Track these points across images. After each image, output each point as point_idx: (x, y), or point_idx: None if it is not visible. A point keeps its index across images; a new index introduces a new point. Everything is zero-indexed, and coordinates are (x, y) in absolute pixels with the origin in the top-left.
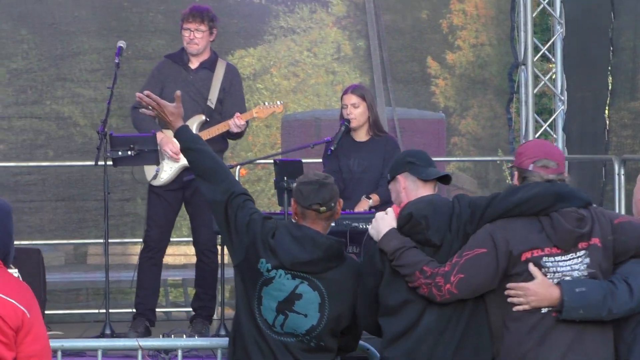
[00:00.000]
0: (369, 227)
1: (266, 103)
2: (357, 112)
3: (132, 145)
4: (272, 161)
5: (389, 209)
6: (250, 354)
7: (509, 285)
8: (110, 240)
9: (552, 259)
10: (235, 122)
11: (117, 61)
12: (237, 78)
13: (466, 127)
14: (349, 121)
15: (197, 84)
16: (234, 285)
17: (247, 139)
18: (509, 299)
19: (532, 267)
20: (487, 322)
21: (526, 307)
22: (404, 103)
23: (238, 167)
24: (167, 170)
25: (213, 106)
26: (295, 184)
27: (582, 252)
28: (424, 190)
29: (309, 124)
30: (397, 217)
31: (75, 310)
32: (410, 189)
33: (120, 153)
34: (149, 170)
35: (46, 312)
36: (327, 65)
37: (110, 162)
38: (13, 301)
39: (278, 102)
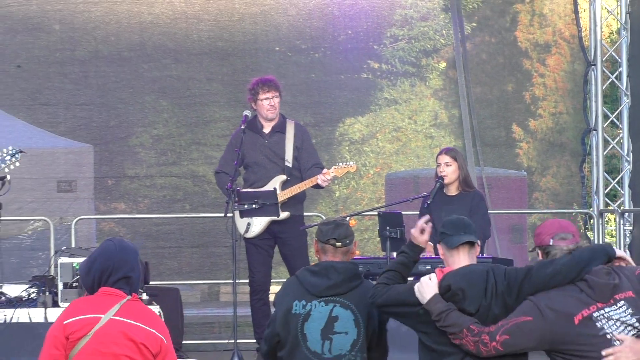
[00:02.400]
0: (415, 287)
1: (340, 163)
2: (449, 170)
3: (256, 200)
4: (377, 213)
5: (433, 275)
6: None
7: (604, 352)
8: (238, 281)
9: (601, 312)
10: (323, 178)
11: (243, 127)
12: (306, 134)
13: (546, 184)
14: (442, 178)
15: (272, 147)
16: None
17: (356, 194)
18: None
19: (617, 335)
20: None
21: None
22: (491, 163)
23: (348, 217)
24: (257, 225)
25: (290, 165)
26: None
27: (622, 302)
28: (457, 256)
29: (409, 181)
30: (438, 286)
31: (209, 340)
32: (447, 256)
33: (245, 206)
34: (241, 225)
35: (184, 342)
36: (426, 130)
37: (238, 215)
38: (153, 330)
39: (351, 162)
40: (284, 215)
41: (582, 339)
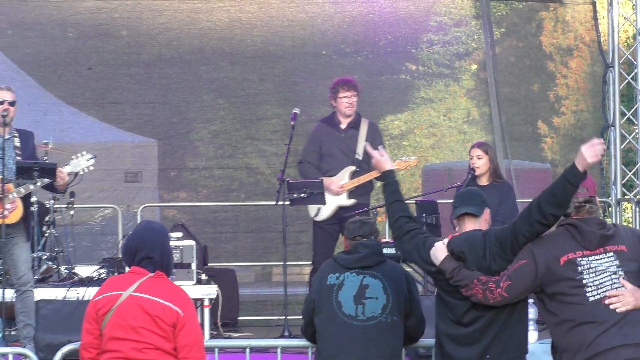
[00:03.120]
0: (431, 251)
1: (404, 157)
2: (480, 163)
3: (304, 189)
4: (414, 202)
5: (445, 239)
6: (340, 344)
7: (608, 294)
8: (288, 263)
9: (585, 259)
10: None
11: (292, 124)
12: (378, 132)
13: None
14: (474, 170)
15: (346, 141)
16: None
17: None
18: (612, 306)
19: (622, 280)
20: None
21: (628, 307)
22: (518, 156)
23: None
24: (326, 209)
25: (360, 158)
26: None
27: (611, 254)
28: (463, 224)
29: (443, 172)
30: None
31: (262, 317)
32: (459, 224)
33: (295, 195)
34: (312, 209)
35: (239, 318)
36: (459, 126)
37: (287, 202)
38: (168, 303)
39: (413, 157)
40: (350, 202)
41: (564, 283)
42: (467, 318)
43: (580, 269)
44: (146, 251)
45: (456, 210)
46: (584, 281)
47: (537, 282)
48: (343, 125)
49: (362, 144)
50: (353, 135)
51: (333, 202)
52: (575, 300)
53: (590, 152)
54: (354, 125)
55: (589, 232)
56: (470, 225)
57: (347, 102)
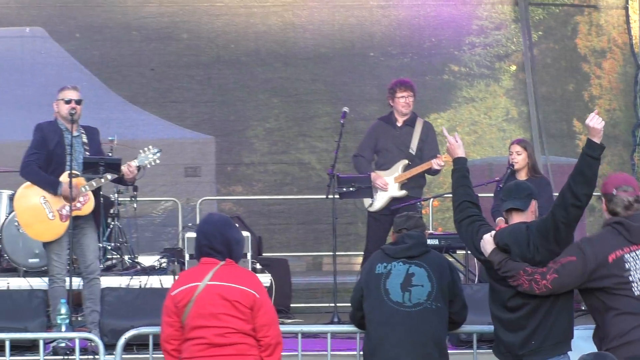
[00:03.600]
0: (481, 243)
1: None
2: (519, 158)
3: (353, 184)
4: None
5: (493, 231)
6: (388, 329)
7: None
8: (337, 253)
9: (632, 254)
10: (437, 162)
11: (342, 122)
12: (432, 131)
13: (602, 170)
14: (513, 165)
15: (402, 137)
16: None
17: (439, 179)
18: None
19: None
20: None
21: None
22: (554, 152)
23: (431, 199)
24: (380, 200)
25: (414, 153)
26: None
27: None
28: (510, 217)
29: (484, 168)
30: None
31: (312, 304)
32: (507, 217)
33: (344, 189)
34: (367, 200)
35: (291, 304)
36: (498, 124)
37: (337, 196)
38: (244, 287)
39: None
40: (402, 192)
41: (610, 279)
42: (512, 304)
43: (627, 265)
44: (213, 242)
45: (504, 205)
46: (630, 278)
47: (584, 279)
48: (399, 123)
49: (415, 141)
50: (408, 132)
51: (386, 194)
52: (621, 293)
53: (595, 121)
54: (410, 123)
55: (636, 227)
56: (517, 218)
57: (404, 101)
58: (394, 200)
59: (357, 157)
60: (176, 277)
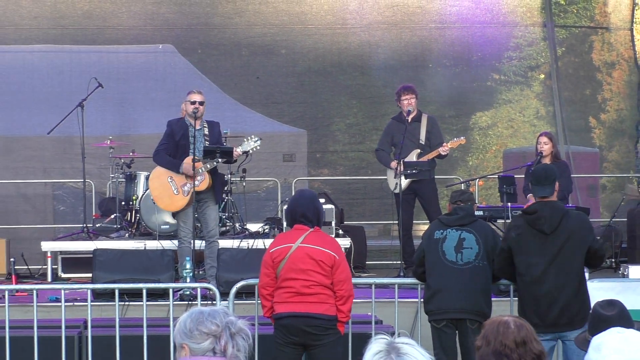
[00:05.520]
0: None
1: (455, 139)
2: (546, 147)
3: (415, 167)
4: (497, 176)
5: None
6: (444, 281)
7: None
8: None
9: None
10: (443, 149)
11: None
12: (436, 123)
13: (612, 157)
14: (541, 153)
15: (412, 131)
16: None
17: (483, 164)
18: None
19: None
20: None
21: None
22: (574, 143)
23: (477, 179)
24: (402, 184)
25: (423, 143)
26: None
27: None
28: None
29: (519, 155)
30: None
31: (383, 262)
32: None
33: (408, 171)
34: (392, 184)
35: (367, 262)
36: (530, 121)
37: (404, 177)
38: (327, 250)
39: (462, 137)
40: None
41: None
42: None
43: None
44: (303, 211)
45: (534, 190)
46: None
47: None
48: (409, 119)
49: (423, 132)
50: (416, 127)
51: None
52: None
53: None
54: (417, 119)
55: None
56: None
57: (406, 102)
58: (413, 182)
59: (379, 151)
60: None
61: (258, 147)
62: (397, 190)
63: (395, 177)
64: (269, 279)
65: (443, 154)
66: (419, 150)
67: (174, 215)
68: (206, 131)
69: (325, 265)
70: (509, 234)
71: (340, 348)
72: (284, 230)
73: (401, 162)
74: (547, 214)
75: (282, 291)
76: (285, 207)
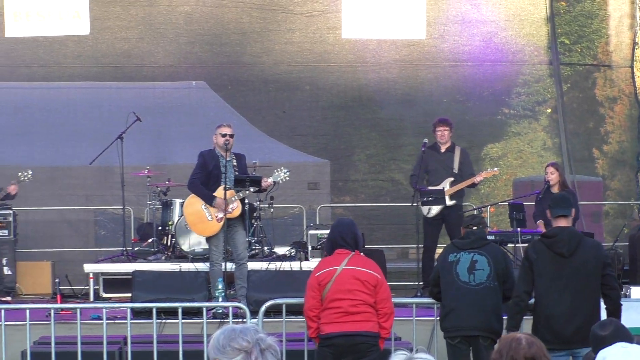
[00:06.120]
0: None
1: (489, 169)
2: (553, 177)
3: (431, 195)
4: (507, 203)
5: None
6: (458, 301)
7: None
8: (420, 245)
9: None
10: (478, 179)
11: (423, 149)
12: (467, 155)
13: (614, 186)
14: (549, 182)
15: (445, 160)
16: None
17: (495, 192)
18: None
19: None
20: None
21: None
22: (579, 172)
23: (489, 206)
24: (435, 209)
25: (456, 172)
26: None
27: None
28: (559, 220)
29: (527, 183)
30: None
31: (401, 282)
32: (554, 221)
33: (425, 199)
34: (425, 210)
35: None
36: (538, 152)
37: (420, 204)
38: (370, 271)
39: (496, 169)
40: (452, 202)
41: None
42: None
43: None
44: (345, 237)
45: (553, 211)
46: None
47: None
48: (442, 150)
49: (456, 162)
50: (450, 157)
51: (438, 206)
52: None
53: None
54: (451, 150)
55: None
56: (563, 222)
57: (440, 134)
58: (445, 208)
59: (413, 177)
60: (306, 261)
61: (287, 178)
62: (429, 215)
63: (413, 204)
64: (315, 301)
65: (477, 182)
66: (451, 179)
67: (207, 240)
68: (235, 162)
69: (370, 285)
70: (529, 255)
71: None
72: (309, 254)
73: (417, 190)
74: (565, 238)
75: (330, 312)
76: (310, 231)
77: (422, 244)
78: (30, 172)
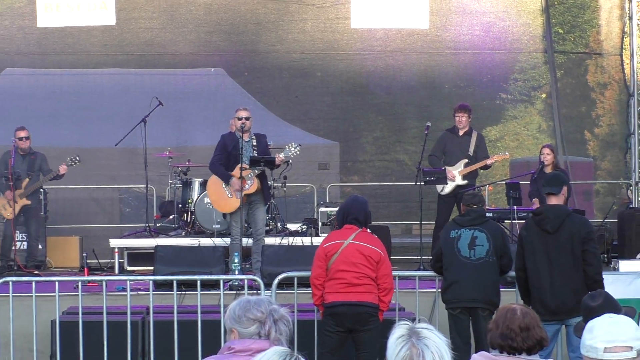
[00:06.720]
0: None
1: (500, 153)
2: (548, 158)
3: (433, 174)
4: (505, 182)
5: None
6: (459, 275)
7: None
8: (422, 222)
9: None
10: (490, 162)
11: (426, 132)
12: (483, 140)
13: (604, 166)
14: (543, 162)
15: (462, 143)
16: None
17: (492, 171)
18: None
19: None
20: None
21: None
22: (571, 153)
23: (487, 185)
24: (448, 187)
25: (471, 154)
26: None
27: None
28: (550, 199)
29: (523, 164)
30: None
31: (405, 257)
32: (547, 198)
33: (427, 178)
34: (439, 187)
35: (391, 257)
36: (533, 135)
37: (422, 183)
38: (374, 247)
39: (506, 153)
40: (464, 182)
41: None
42: None
43: None
44: (355, 214)
45: (544, 189)
46: None
47: None
48: (460, 133)
49: (472, 145)
50: (466, 140)
51: (453, 183)
52: None
53: None
54: (468, 134)
55: None
56: (553, 199)
57: (458, 119)
58: (458, 187)
59: (432, 157)
60: (317, 237)
61: (297, 152)
62: (442, 192)
63: (418, 183)
64: (321, 270)
65: (489, 164)
66: (466, 160)
67: (226, 216)
68: (254, 142)
69: (373, 260)
70: (521, 232)
71: (379, 333)
72: (319, 230)
73: (420, 170)
74: (551, 215)
75: (334, 282)
76: (320, 209)
77: (434, 219)
78: (78, 158)
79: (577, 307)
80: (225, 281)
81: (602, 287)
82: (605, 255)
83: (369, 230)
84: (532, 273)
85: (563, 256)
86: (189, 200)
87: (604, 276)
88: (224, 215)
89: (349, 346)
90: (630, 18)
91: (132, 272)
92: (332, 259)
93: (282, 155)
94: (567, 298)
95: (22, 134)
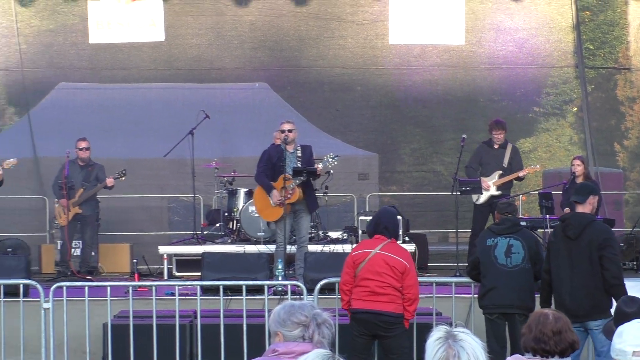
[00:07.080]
0: None
1: (532, 165)
2: (579, 169)
3: (469, 185)
4: (537, 192)
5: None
6: (496, 281)
7: None
8: (459, 230)
9: None
10: (523, 173)
11: (462, 144)
12: (518, 152)
13: (634, 176)
14: (575, 173)
15: (498, 156)
16: None
17: (526, 182)
18: None
19: None
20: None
21: None
22: (602, 164)
23: (521, 195)
24: (483, 197)
25: (505, 166)
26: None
27: None
28: (577, 206)
29: (555, 175)
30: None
31: (442, 263)
32: (575, 207)
33: (463, 188)
34: (474, 197)
35: (429, 264)
36: (565, 146)
37: (458, 193)
38: (400, 258)
39: (538, 165)
40: (498, 192)
41: None
42: None
43: None
44: (385, 224)
45: (572, 198)
46: None
47: None
48: (496, 146)
49: (507, 158)
50: (502, 153)
51: (488, 193)
52: None
53: None
54: (503, 147)
55: None
56: (579, 208)
57: (495, 137)
58: (492, 197)
59: (468, 168)
60: (354, 244)
61: (335, 162)
62: (477, 202)
63: (454, 193)
64: (348, 277)
65: (521, 175)
66: (500, 172)
67: (271, 224)
68: (299, 153)
69: (397, 270)
70: (550, 237)
71: (405, 338)
72: (359, 238)
73: (457, 180)
74: (574, 223)
75: (359, 289)
76: (360, 217)
77: (469, 228)
78: (125, 172)
79: (593, 311)
80: (270, 286)
81: (623, 291)
82: (635, 263)
83: (399, 241)
84: (555, 276)
85: (582, 261)
86: (235, 209)
87: (632, 283)
88: (269, 223)
89: (379, 350)
90: None
91: (180, 278)
92: (359, 267)
93: (320, 166)
94: (584, 301)
95: (83, 144)
